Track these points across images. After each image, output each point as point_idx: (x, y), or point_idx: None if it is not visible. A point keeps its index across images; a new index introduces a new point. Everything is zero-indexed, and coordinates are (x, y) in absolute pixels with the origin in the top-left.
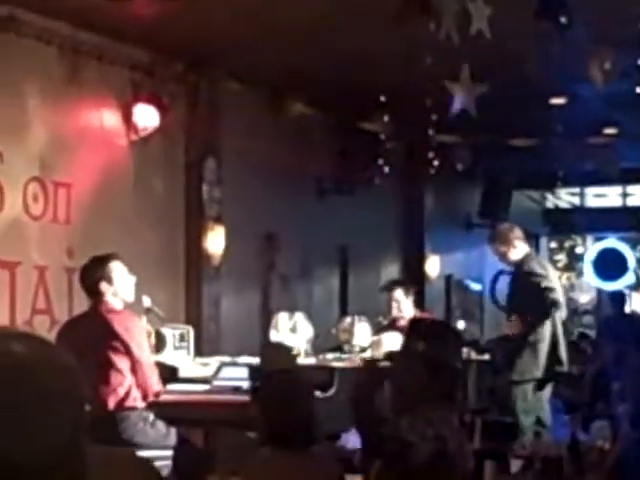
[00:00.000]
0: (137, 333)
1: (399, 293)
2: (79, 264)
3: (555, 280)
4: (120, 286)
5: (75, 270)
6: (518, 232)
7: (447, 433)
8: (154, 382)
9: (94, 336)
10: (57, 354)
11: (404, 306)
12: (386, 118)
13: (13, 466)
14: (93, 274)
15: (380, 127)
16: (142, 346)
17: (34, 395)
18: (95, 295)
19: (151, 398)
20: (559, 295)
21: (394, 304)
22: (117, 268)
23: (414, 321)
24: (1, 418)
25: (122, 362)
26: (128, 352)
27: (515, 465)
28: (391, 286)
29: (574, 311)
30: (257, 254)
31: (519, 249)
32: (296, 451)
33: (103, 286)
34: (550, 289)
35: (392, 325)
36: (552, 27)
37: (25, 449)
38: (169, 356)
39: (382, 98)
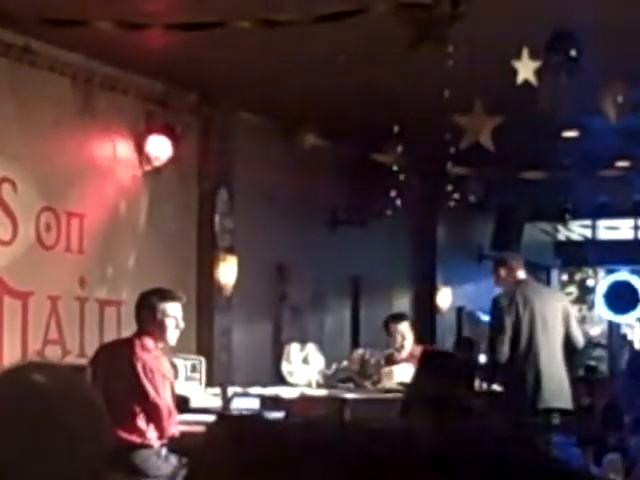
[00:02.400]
0: (158, 377)
1: (405, 326)
2: (91, 294)
3: (520, 315)
4: (162, 327)
5: (87, 300)
6: (509, 262)
7: None
8: (170, 426)
9: (118, 369)
10: (79, 386)
11: (408, 338)
12: (399, 149)
13: None
14: (139, 306)
15: (393, 159)
16: (160, 390)
17: (52, 426)
18: (137, 326)
19: (166, 440)
20: (503, 340)
21: (398, 337)
22: (168, 309)
23: (428, 359)
24: (20, 448)
25: (139, 402)
26: (144, 395)
27: None
28: (400, 319)
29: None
30: (269, 285)
31: (506, 280)
32: None
33: (143, 321)
34: (494, 331)
35: (390, 358)
36: (562, 60)
37: (43, 477)
38: (181, 386)
39: (395, 129)
